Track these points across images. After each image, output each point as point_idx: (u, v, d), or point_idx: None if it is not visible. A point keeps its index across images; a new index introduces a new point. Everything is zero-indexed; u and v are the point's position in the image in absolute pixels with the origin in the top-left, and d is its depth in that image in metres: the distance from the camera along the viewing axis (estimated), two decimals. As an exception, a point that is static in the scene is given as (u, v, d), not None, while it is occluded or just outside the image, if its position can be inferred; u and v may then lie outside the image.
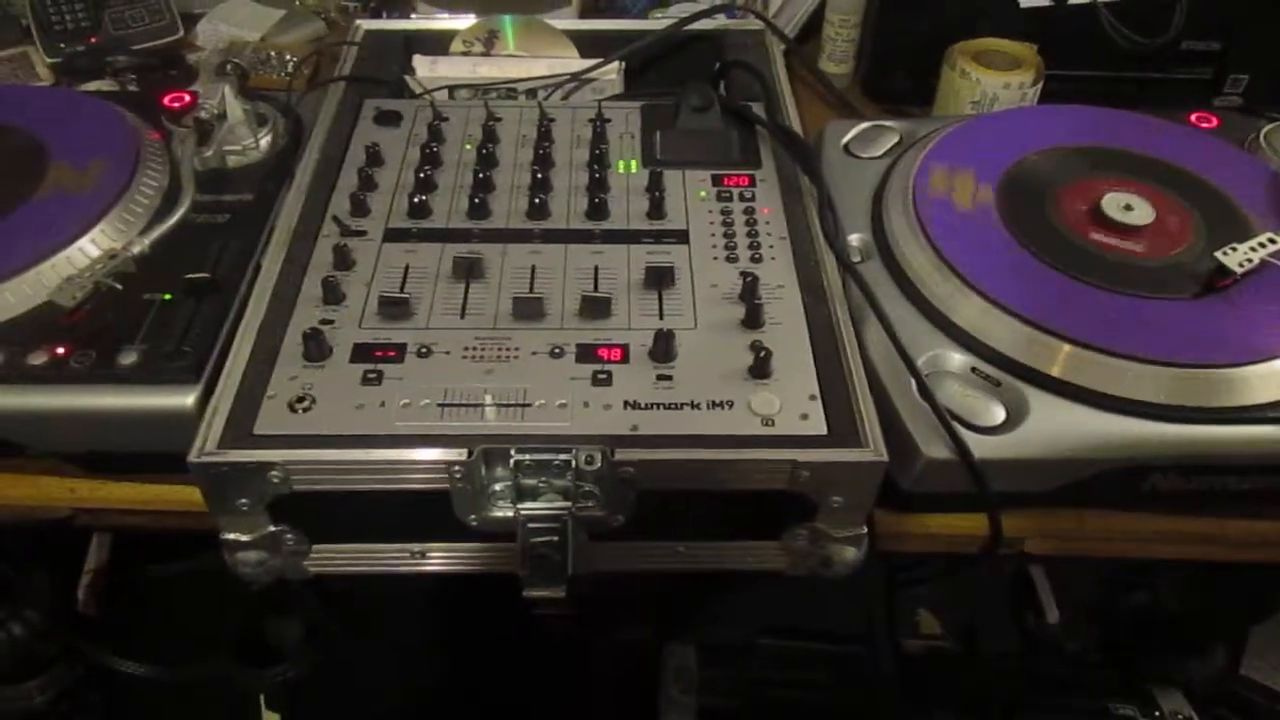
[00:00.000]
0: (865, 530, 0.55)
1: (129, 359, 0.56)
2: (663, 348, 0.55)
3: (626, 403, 0.53)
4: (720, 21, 0.86)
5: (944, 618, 0.85)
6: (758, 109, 0.74)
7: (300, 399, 0.53)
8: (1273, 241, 0.61)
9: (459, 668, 0.91)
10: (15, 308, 0.59)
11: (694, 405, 0.53)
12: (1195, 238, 0.65)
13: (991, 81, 0.81)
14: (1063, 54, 0.85)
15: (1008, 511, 0.58)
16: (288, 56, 0.93)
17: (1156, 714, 0.75)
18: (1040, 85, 0.83)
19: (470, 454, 0.50)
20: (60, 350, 0.57)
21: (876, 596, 0.81)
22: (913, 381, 0.57)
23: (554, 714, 0.92)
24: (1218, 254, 0.60)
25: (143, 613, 0.94)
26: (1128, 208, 0.65)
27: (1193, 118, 0.78)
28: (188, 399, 0.55)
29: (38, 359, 0.56)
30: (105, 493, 0.61)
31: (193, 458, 0.50)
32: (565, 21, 0.84)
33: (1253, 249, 0.60)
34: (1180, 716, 0.75)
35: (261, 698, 0.85)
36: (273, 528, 0.53)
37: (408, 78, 0.78)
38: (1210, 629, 0.83)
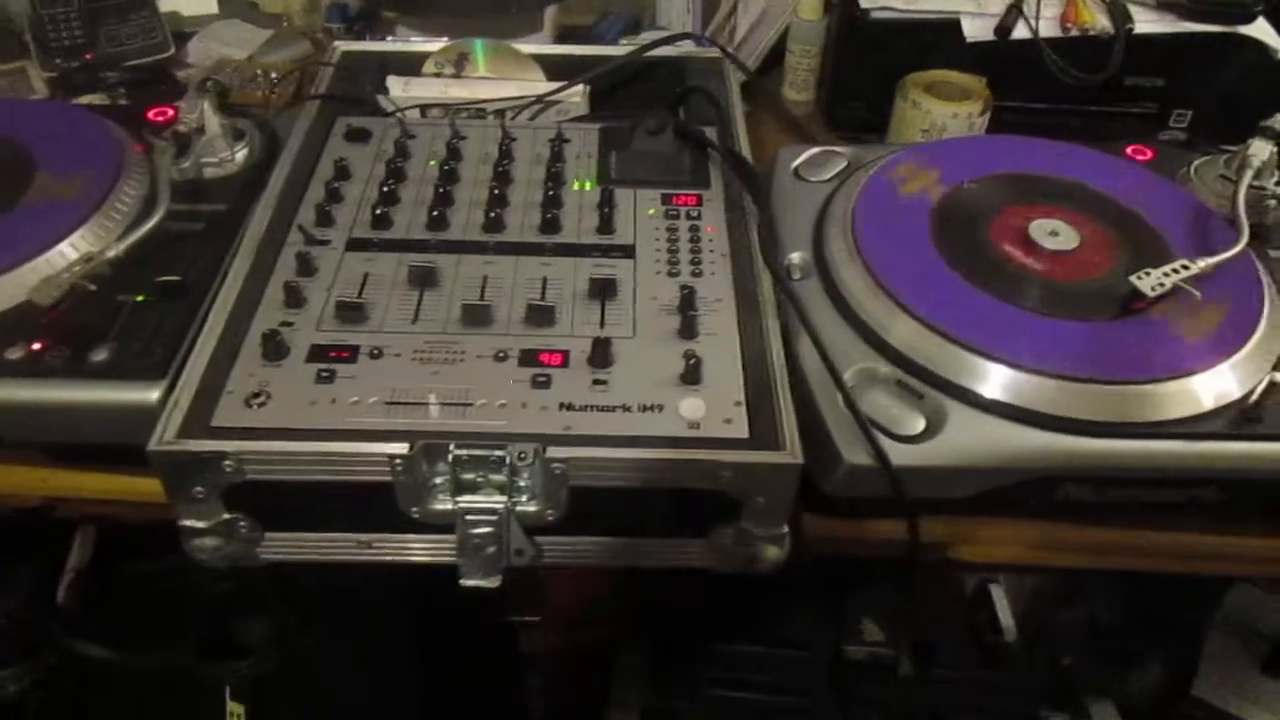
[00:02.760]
0: (786, 530, 0.58)
1: (100, 356, 0.60)
2: (600, 354, 0.59)
3: (562, 404, 0.57)
4: (683, 49, 0.90)
5: (891, 628, 0.87)
6: (713, 133, 0.78)
7: (256, 394, 0.56)
8: (1185, 268, 0.64)
9: (418, 668, 0.94)
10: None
11: (625, 408, 0.57)
12: (1117, 263, 0.68)
13: (940, 111, 0.85)
14: (1013, 87, 0.89)
15: (930, 518, 0.61)
16: (273, 75, 0.97)
17: (1086, 722, 0.78)
18: (988, 116, 0.87)
19: (411, 448, 0.53)
20: (36, 346, 0.60)
21: (821, 603, 0.84)
22: (839, 393, 0.60)
23: (510, 710, 0.94)
24: (1131, 278, 0.63)
25: (118, 608, 0.96)
26: (1054, 233, 0.69)
27: (1129, 150, 0.81)
28: (153, 394, 0.58)
29: (14, 354, 0.60)
30: (76, 483, 0.64)
31: (152, 446, 0.53)
32: (535, 46, 0.88)
33: (1165, 274, 0.64)
34: (1109, 725, 0.77)
35: (227, 689, 0.88)
36: (227, 515, 0.57)
37: (381, 97, 0.82)
38: (1145, 642, 0.86)
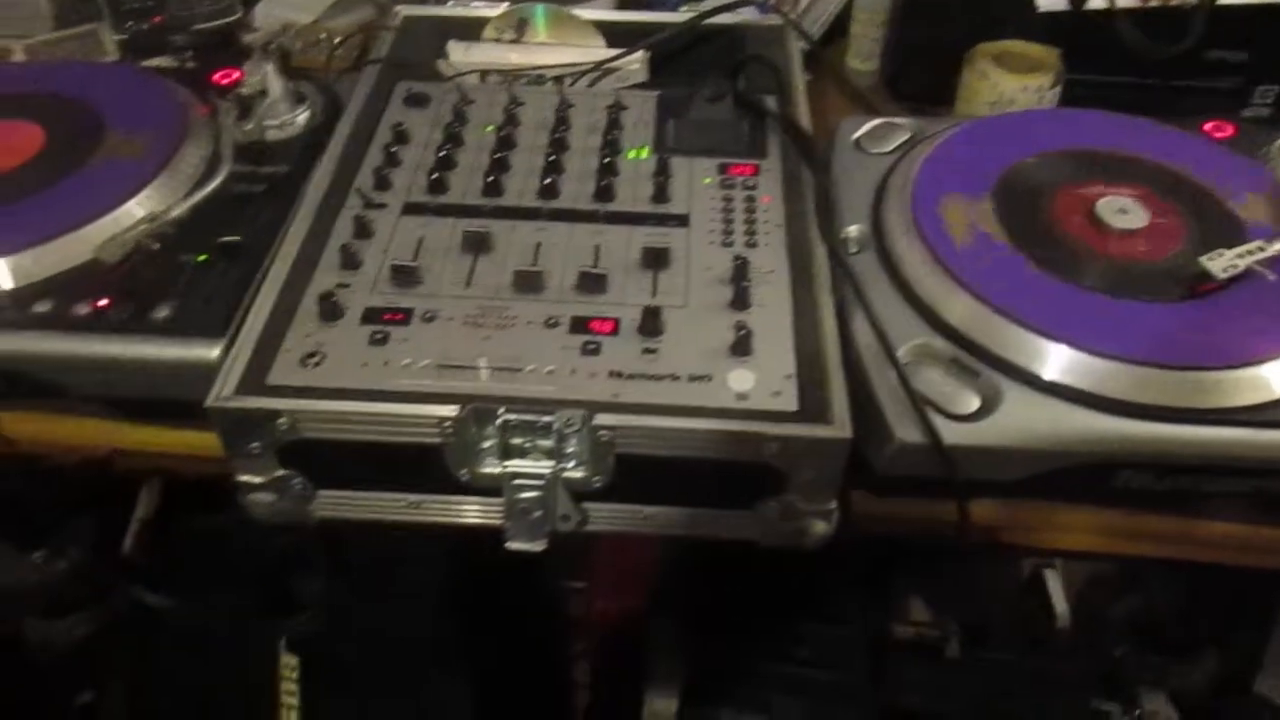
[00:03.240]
0: (834, 506, 0.58)
1: (163, 313, 0.61)
2: (651, 323, 0.59)
3: (611, 372, 0.57)
4: (744, 17, 0.89)
5: (940, 609, 0.87)
6: (773, 103, 0.77)
7: (311, 354, 0.57)
8: (1260, 249, 0.62)
9: (467, 629, 0.95)
10: (64, 263, 0.64)
11: (674, 378, 0.56)
12: (1187, 243, 0.66)
13: (1009, 83, 0.83)
14: (1086, 59, 0.86)
15: (980, 500, 0.60)
16: (336, 39, 0.98)
17: (1138, 713, 0.76)
18: (1059, 89, 0.84)
19: (461, 411, 0.54)
20: (102, 303, 0.62)
21: (868, 580, 0.83)
22: (893, 368, 0.60)
23: (550, 677, 0.95)
24: (1202, 259, 0.61)
25: (181, 559, 0.99)
26: (1122, 211, 0.67)
27: (1207, 126, 0.78)
28: (213, 351, 0.60)
29: (81, 309, 0.62)
30: (140, 436, 0.66)
31: (210, 402, 0.55)
32: (594, 12, 0.87)
33: (1239, 255, 0.61)
34: (1160, 717, 0.76)
35: (282, 642, 0.90)
36: (281, 472, 0.58)
37: (441, 62, 0.82)
38: (1202, 633, 0.84)
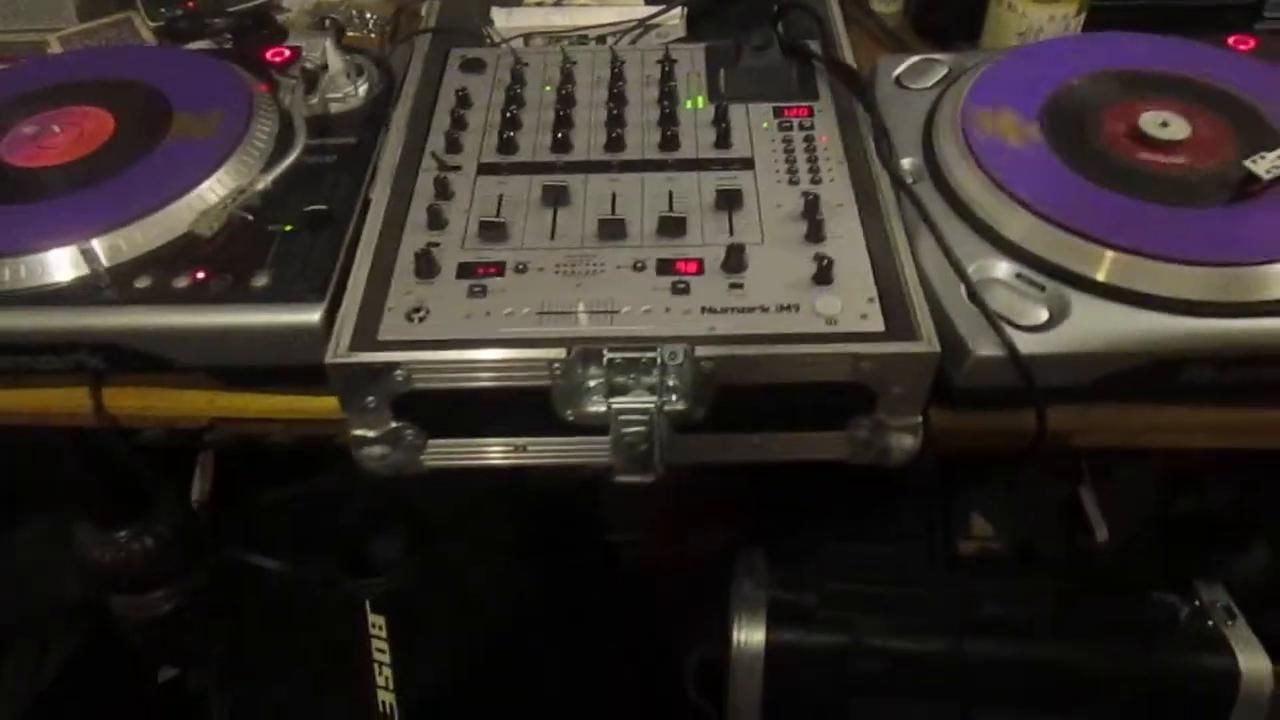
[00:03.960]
0: (921, 420, 0.61)
1: (261, 281, 0.64)
2: (734, 260, 0.62)
3: (704, 308, 0.60)
4: (776, -33, 0.91)
5: (998, 523, 0.90)
6: (814, 47, 0.80)
7: (416, 309, 0.60)
8: (1302, 150, 0.65)
9: (544, 583, 0.99)
10: (159, 239, 0.66)
11: (764, 309, 0.59)
12: (1229, 150, 0.69)
13: (1036, 13, 0.86)
14: (1107, -15, 0.89)
15: (1053, 407, 0.63)
16: (369, 15, 1.00)
17: (1196, 603, 0.80)
18: (1084, 16, 0.87)
19: (568, 353, 0.57)
20: (200, 275, 0.64)
21: (932, 503, 0.87)
22: (963, 287, 0.63)
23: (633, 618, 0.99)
24: (1246, 162, 0.65)
25: (253, 533, 1.03)
26: (1164, 124, 0.70)
27: (1230, 40, 0.81)
28: (314, 315, 0.62)
29: (181, 283, 0.64)
30: (240, 404, 0.68)
31: (328, 359, 0.57)
32: (631, -28, 0.89)
33: (1281, 157, 0.65)
34: (1219, 605, 0.80)
35: (367, 602, 0.93)
36: (395, 424, 0.61)
37: (486, 28, 0.85)
38: (1252, 527, 0.88)
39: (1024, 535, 0.98)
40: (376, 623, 0.92)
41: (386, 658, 0.91)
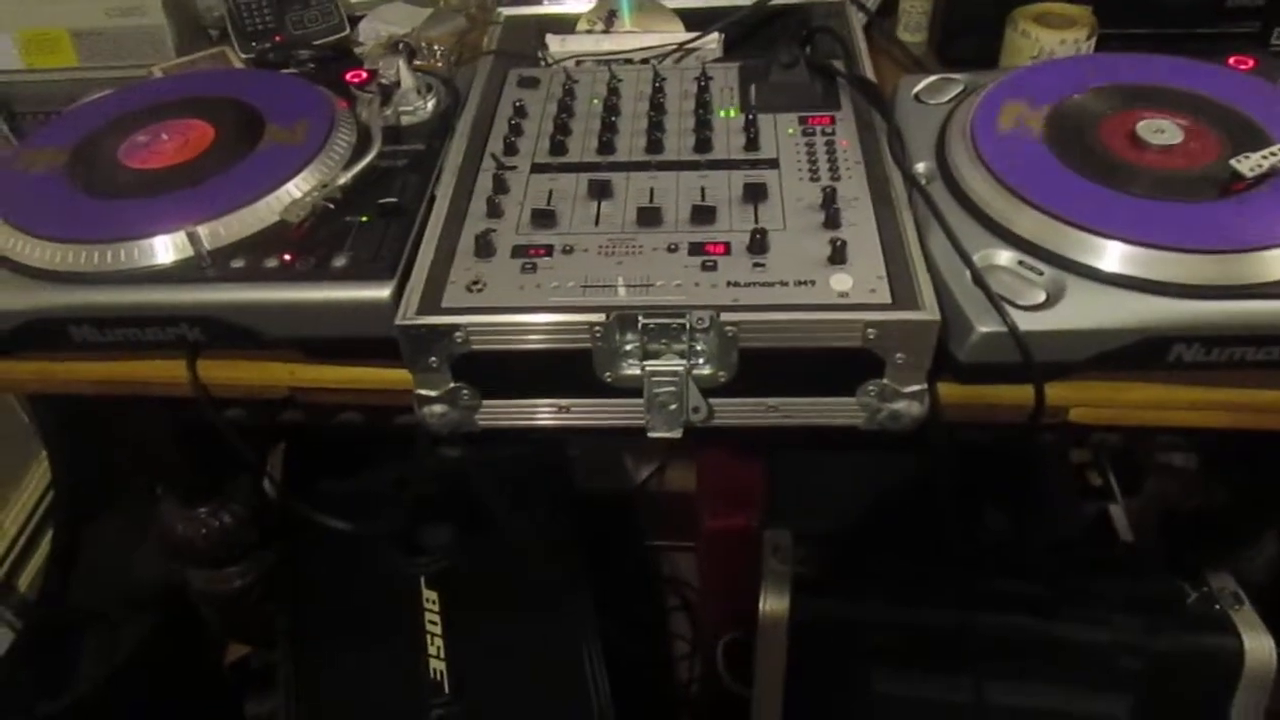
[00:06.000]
0: (926, 387, 0.67)
1: (340, 262, 0.72)
2: (758, 243, 0.69)
3: (729, 282, 0.67)
4: (807, -3, 1.00)
5: (1014, 514, 0.95)
6: (840, 65, 0.87)
7: (475, 282, 0.68)
8: (1283, 150, 0.71)
9: (576, 552, 1.06)
10: (253, 226, 0.75)
11: (783, 284, 0.66)
12: (1219, 154, 0.75)
13: (1049, 38, 0.93)
14: (1117, 14, 0.96)
15: (1051, 382, 0.69)
16: (435, 47, 1.10)
17: (1204, 589, 0.84)
18: (1094, 41, 0.94)
19: (608, 318, 0.64)
20: (288, 257, 0.73)
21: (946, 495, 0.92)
22: (968, 273, 0.69)
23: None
24: (1232, 161, 0.71)
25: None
26: (1160, 131, 0.76)
27: (1231, 60, 0.87)
28: (385, 291, 0.70)
29: (271, 263, 0.73)
30: (318, 374, 0.76)
31: (398, 321, 0.65)
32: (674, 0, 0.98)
33: (1264, 156, 0.70)
34: (1227, 592, 0.84)
35: (422, 579, 1.01)
36: (453, 384, 0.69)
37: (541, 52, 0.94)
38: (1259, 518, 0.91)
39: (1044, 523, 1.03)
40: (430, 597, 1.00)
41: (438, 629, 0.98)
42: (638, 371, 0.67)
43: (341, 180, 0.77)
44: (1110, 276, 0.68)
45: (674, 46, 0.93)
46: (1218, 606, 0.83)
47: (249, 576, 1.05)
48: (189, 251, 0.74)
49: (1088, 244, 0.69)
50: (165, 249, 0.74)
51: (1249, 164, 0.70)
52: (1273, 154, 0.70)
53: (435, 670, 0.96)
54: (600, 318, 0.64)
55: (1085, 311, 0.67)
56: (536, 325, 0.65)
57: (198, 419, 0.81)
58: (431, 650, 0.97)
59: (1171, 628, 0.82)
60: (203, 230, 0.74)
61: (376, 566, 1.03)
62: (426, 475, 1.06)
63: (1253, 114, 0.79)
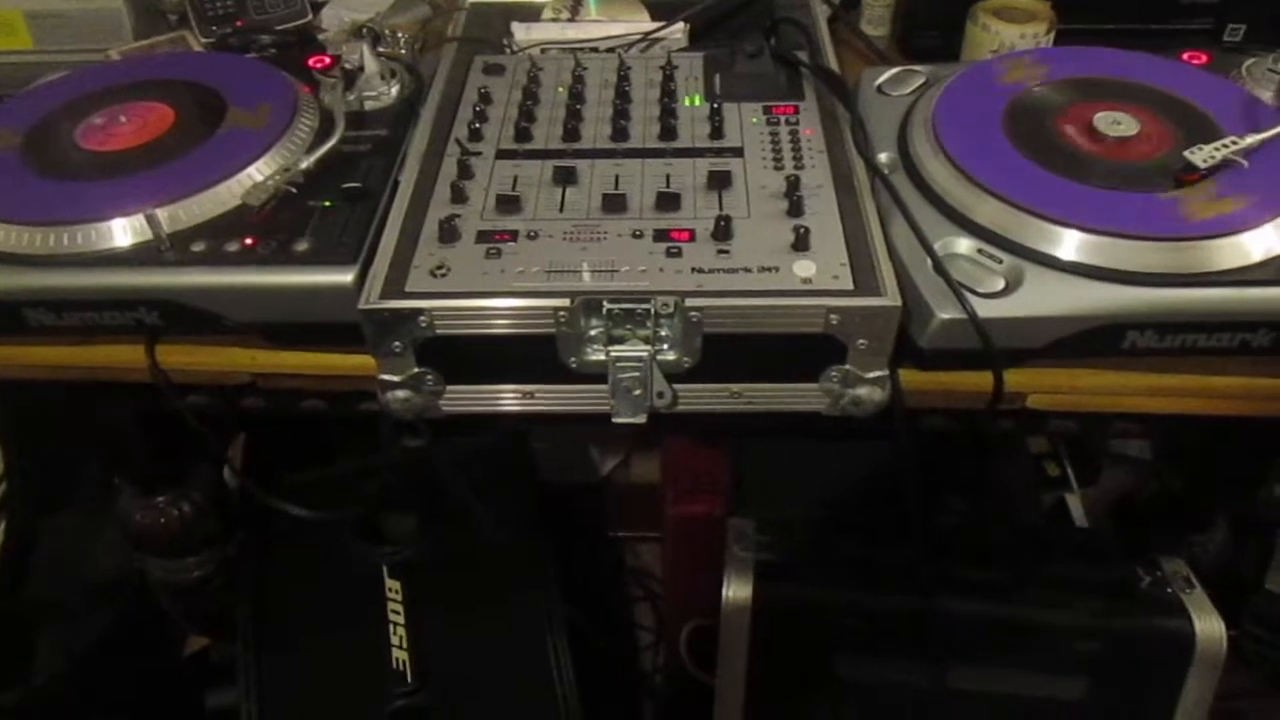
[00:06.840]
0: (887, 373, 0.68)
1: (302, 246, 0.72)
2: (722, 229, 0.69)
3: (694, 269, 0.67)
4: (772, -12, 1.00)
5: (974, 501, 0.97)
6: (804, 56, 0.88)
7: (439, 267, 0.68)
8: (1234, 143, 0.72)
9: (538, 544, 1.06)
10: (215, 209, 0.74)
11: (747, 270, 0.67)
12: (1174, 146, 0.76)
13: (1009, 32, 0.94)
14: (1076, 9, 0.98)
15: (1010, 369, 0.70)
16: (399, 34, 1.09)
17: (1158, 573, 0.86)
18: (1053, 35, 0.95)
19: (572, 303, 0.64)
20: (249, 241, 0.72)
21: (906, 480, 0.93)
22: (929, 261, 0.70)
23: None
24: (1185, 153, 0.72)
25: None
26: (1116, 122, 0.77)
27: (1185, 55, 0.89)
28: (348, 276, 0.70)
29: (233, 247, 0.72)
30: (279, 360, 0.76)
31: (361, 305, 0.65)
32: (639, -10, 0.99)
33: (1216, 149, 0.72)
34: (1180, 576, 0.85)
35: (385, 569, 1.00)
36: (417, 369, 0.68)
37: (506, 40, 0.94)
38: (1210, 505, 0.94)
39: (1001, 509, 1.05)
40: (393, 587, 0.99)
41: (401, 619, 0.97)
42: (602, 357, 0.67)
43: (304, 164, 0.77)
44: (1067, 264, 0.69)
45: (640, 35, 0.93)
46: (1170, 590, 0.85)
47: (209, 567, 1.04)
48: (147, 235, 0.73)
49: (1046, 232, 0.70)
50: (123, 232, 0.73)
51: (1202, 155, 0.72)
52: (1224, 146, 0.72)
53: (398, 660, 0.95)
54: (565, 303, 0.65)
55: (1043, 299, 0.68)
56: (501, 310, 0.65)
57: (157, 406, 0.80)
58: (394, 640, 0.96)
59: (1126, 611, 0.84)
60: (162, 213, 0.73)
61: (339, 557, 1.02)
62: (390, 464, 1.06)
63: (1206, 107, 0.80)
